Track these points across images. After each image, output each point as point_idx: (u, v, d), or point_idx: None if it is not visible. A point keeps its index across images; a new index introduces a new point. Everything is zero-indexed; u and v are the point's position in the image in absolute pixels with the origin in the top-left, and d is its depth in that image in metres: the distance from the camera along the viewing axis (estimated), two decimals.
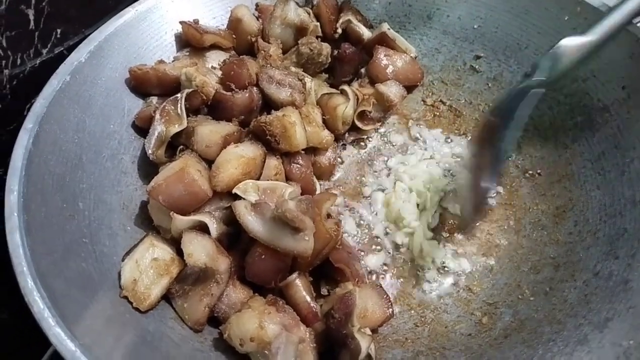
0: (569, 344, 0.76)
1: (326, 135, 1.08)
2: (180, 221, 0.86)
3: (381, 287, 0.92)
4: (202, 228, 0.88)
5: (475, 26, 1.21)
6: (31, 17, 0.94)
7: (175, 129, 0.96)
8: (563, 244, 0.95)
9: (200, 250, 0.83)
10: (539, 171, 1.07)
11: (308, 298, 0.85)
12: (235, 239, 0.91)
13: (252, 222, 0.84)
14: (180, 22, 1.13)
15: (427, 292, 0.97)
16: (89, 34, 1.02)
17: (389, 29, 1.22)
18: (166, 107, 0.99)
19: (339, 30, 1.22)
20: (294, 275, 0.86)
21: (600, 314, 0.78)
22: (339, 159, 1.16)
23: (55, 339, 0.67)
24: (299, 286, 0.85)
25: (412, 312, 0.94)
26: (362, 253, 1.02)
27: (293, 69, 1.13)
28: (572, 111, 1.06)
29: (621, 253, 0.85)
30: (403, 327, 0.92)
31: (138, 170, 1.02)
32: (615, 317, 0.76)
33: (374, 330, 0.89)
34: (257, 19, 1.21)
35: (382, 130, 1.21)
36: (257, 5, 1.25)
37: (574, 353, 0.74)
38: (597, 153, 0.99)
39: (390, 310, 0.88)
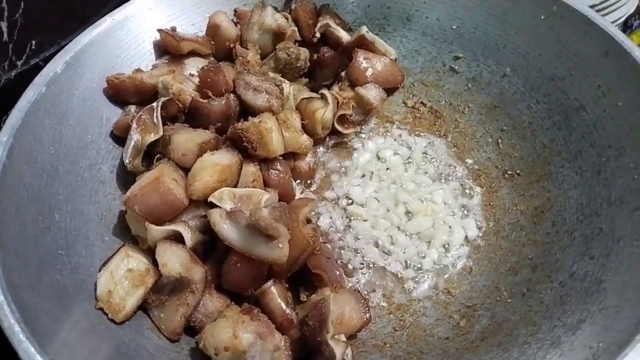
0: (543, 346, 0.76)
1: (305, 140, 1.08)
2: (156, 231, 0.86)
3: (359, 292, 0.92)
4: (178, 237, 0.88)
5: (453, 27, 1.21)
6: (4, 30, 0.94)
7: (151, 138, 0.96)
8: (541, 245, 0.95)
9: (175, 260, 0.83)
10: (517, 171, 1.07)
11: (283, 305, 0.85)
12: (212, 247, 0.91)
13: (227, 231, 0.84)
14: (158, 30, 1.13)
15: (406, 296, 0.97)
16: (64, 45, 1.02)
17: (367, 31, 1.21)
18: (142, 116, 0.99)
19: (318, 34, 1.21)
20: (269, 282, 0.86)
21: (574, 315, 0.78)
22: (319, 163, 1.16)
23: (24, 354, 0.66)
24: (274, 294, 0.85)
25: (391, 316, 0.94)
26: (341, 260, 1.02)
27: (271, 74, 1.12)
28: (550, 110, 1.06)
29: (596, 253, 0.84)
30: (382, 332, 0.92)
31: (116, 179, 1.02)
32: (587, 318, 0.75)
33: (352, 336, 0.89)
34: (236, 25, 1.21)
35: (363, 133, 1.21)
36: (235, 10, 1.24)
37: (547, 356, 0.74)
38: (575, 152, 0.99)
39: (368, 315, 0.88)
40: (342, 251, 1.03)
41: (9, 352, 0.68)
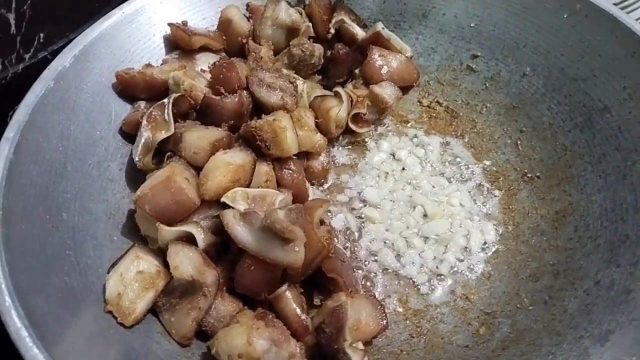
0: (569, 358, 0.73)
1: (319, 139, 1.05)
2: (167, 232, 0.84)
3: (375, 297, 0.89)
4: (190, 238, 0.85)
5: (471, 24, 1.18)
6: (12, 22, 0.92)
7: (162, 135, 0.94)
8: (563, 251, 0.92)
9: (187, 263, 0.81)
10: (537, 174, 1.04)
11: (298, 311, 0.82)
12: (224, 248, 0.89)
13: (241, 232, 0.81)
14: (169, 24, 1.10)
15: (422, 301, 0.94)
16: (73, 38, 1.00)
17: (383, 28, 1.18)
18: (153, 113, 0.96)
19: (332, 31, 1.19)
20: (284, 287, 0.83)
21: (601, 325, 0.75)
22: (332, 163, 1.13)
23: None
24: (289, 299, 0.83)
25: (408, 322, 0.91)
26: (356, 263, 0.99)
27: (284, 71, 1.10)
28: (572, 112, 1.03)
29: (623, 261, 0.82)
30: (398, 338, 0.89)
31: (125, 177, 1.00)
32: (617, 329, 0.73)
33: (368, 342, 0.87)
34: (248, 20, 1.18)
35: (377, 133, 1.18)
36: (248, 5, 1.22)
37: None
38: (598, 155, 0.97)
39: (385, 321, 0.85)
40: (356, 254, 1.00)
41: (15, 356, 0.66)
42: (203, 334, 0.83)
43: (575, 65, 1.04)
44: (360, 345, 0.80)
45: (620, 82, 0.96)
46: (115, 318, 0.79)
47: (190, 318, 0.81)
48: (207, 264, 0.82)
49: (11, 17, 0.91)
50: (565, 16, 1.05)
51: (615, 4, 1.10)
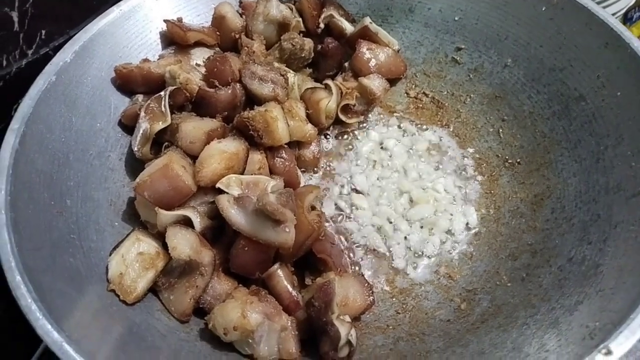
0: (541, 327, 0.79)
1: (309, 129, 1.10)
2: (165, 216, 0.88)
3: (363, 276, 0.94)
4: (187, 222, 0.90)
5: (456, 18, 1.23)
6: (15, 19, 0.96)
7: (160, 126, 0.98)
8: (540, 231, 0.97)
9: (184, 244, 0.85)
10: (518, 160, 1.09)
11: (289, 288, 0.87)
12: (220, 232, 0.94)
13: (235, 215, 0.86)
14: (165, 21, 1.15)
15: (408, 280, 0.99)
16: (74, 35, 1.04)
17: (371, 22, 1.23)
18: (150, 105, 1.00)
19: (322, 25, 1.23)
20: (276, 266, 0.88)
21: (571, 297, 0.80)
22: (323, 152, 1.18)
23: (41, 331, 0.69)
24: (281, 276, 0.88)
25: (394, 299, 0.97)
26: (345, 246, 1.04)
27: (276, 64, 1.14)
28: (550, 100, 1.08)
29: (594, 238, 0.87)
30: (385, 314, 0.94)
31: (125, 167, 1.04)
32: (585, 300, 0.78)
33: (356, 318, 0.92)
34: (241, 16, 1.23)
35: (366, 123, 1.23)
36: (240, 1, 1.26)
37: (545, 336, 0.76)
38: (574, 141, 1.01)
39: (371, 298, 0.90)
40: (346, 237, 1.05)
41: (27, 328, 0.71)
42: (201, 310, 0.89)
43: (553, 56, 1.08)
44: (348, 318, 0.84)
45: (595, 71, 1.01)
46: (118, 296, 0.84)
47: (188, 296, 0.86)
48: (204, 245, 0.87)
49: (14, 15, 0.95)
50: (543, 9, 1.09)
51: None
